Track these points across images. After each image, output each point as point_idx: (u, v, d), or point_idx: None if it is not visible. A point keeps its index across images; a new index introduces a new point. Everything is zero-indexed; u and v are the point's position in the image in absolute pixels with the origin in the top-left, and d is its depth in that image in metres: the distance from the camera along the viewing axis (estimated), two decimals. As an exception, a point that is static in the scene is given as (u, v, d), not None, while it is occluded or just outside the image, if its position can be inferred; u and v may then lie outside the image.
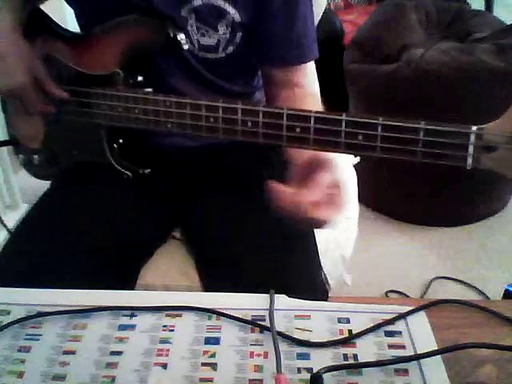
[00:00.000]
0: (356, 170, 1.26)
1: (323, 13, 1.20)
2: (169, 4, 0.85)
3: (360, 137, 0.63)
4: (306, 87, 0.94)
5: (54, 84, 0.89)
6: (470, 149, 0.58)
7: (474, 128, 0.57)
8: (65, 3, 0.96)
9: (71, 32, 0.96)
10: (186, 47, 0.85)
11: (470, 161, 0.58)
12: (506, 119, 0.56)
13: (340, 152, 0.66)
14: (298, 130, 0.67)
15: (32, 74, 0.86)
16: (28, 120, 0.98)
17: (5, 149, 1.68)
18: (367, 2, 2.65)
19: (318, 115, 0.65)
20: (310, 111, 0.66)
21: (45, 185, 1.02)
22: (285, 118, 0.68)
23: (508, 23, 1.93)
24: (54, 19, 0.98)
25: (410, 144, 0.60)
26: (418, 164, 0.63)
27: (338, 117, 0.64)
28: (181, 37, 0.84)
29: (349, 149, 0.64)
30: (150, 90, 0.86)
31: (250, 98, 1.04)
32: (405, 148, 0.61)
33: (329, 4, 2.55)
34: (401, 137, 0.61)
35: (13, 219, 1.60)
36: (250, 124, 0.71)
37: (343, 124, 0.63)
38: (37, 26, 0.94)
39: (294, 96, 0.91)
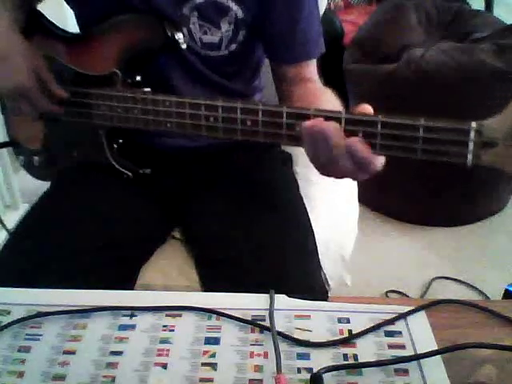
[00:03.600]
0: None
1: (323, 13, 1.20)
2: (169, 2, 0.85)
3: (359, 134, 0.62)
4: (318, 82, 0.94)
5: (55, 83, 0.89)
6: (470, 145, 0.57)
7: (474, 124, 0.57)
8: (65, 4, 0.96)
9: (68, 32, 0.96)
10: (184, 46, 0.85)
11: (470, 157, 0.58)
12: (505, 115, 0.55)
13: None
14: (297, 128, 0.67)
15: (36, 73, 0.86)
16: (28, 121, 0.98)
17: (5, 149, 1.67)
18: (367, 1, 2.65)
19: (317, 113, 0.65)
20: (309, 109, 0.65)
21: (45, 185, 1.02)
22: (284, 116, 0.67)
23: (508, 23, 1.93)
24: (55, 19, 0.97)
25: (409, 141, 0.60)
26: (418, 163, 0.62)
27: (337, 115, 0.63)
28: (179, 36, 0.84)
29: None
30: (148, 89, 0.86)
31: (251, 98, 1.04)
32: (404, 145, 0.61)
33: (329, 4, 2.55)
34: (400, 134, 0.60)
35: (13, 219, 1.60)
36: (249, 123, 0.71)
37: (343, 122, 0.63)
38: (34, 26, 0.94)
39: (308, 92, 0.90)
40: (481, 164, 0.58)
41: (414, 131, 0.59)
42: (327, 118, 0.64)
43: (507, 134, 0.55)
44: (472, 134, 0.57)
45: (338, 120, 0.63)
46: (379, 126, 0.61)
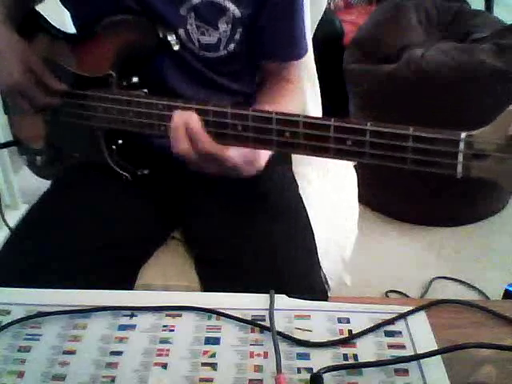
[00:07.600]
0: (356, 171, 1.26)
1: (323, 13, 1.20)
2: (166, 3, 0.85)
3: (349, 142, 0.62)
4: (296, 82, 0.97)
5: (51, 76, 0.88)
6: (460, 156, 0.56)
7: (463, 135, 0.55)
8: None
9: (66, 33, 0.96)
10: (176, 48, 0.84)
11: (459, 169, 0.57)
12: (496, 125, 0.54)
13: (330, 157, 0.65)
14: (287, 134, 0.67)
15: (29, 67, 0.86)
16: (29, 121, 0.98)
17: (5, 149, 1.67)
18: (367, 2, 2.65)
19: (307, 120, 0.65)
20: (299, 115, 0.65)
21: (45, 185, 1.02)
22: (274, 122, 0.67)
23: (508, 23, 1.93)
24: (54, 20, 0.97)
25: (398, 151, 0.59)
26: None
27: (326, 122, 0.63)
28: (171, 37, 0.83)
29: (338, 154, 0.63)
30: (145, 90, 0.85)
31: (252, 97, 1.04)
32: (394, 155, 0.60)
33: (329, 4, 2.55)
34: (389, 143, 0.60)
35: (13, 219, 1.60)
36: (240, 128, 0.70)
37: (332, 129, 0.62)
38: (31, 26, 0.94)
39: (283, 90, 0.94)
40: (471, 176, 0.56)
41: (403, 140, 0.59)
42: (315, 126, 0.64)
43: (498, 145, 0.53)
44: (461, 145, 0.56)
45: (327, 127, 0.63)
46: (368, 134, 0.61)
